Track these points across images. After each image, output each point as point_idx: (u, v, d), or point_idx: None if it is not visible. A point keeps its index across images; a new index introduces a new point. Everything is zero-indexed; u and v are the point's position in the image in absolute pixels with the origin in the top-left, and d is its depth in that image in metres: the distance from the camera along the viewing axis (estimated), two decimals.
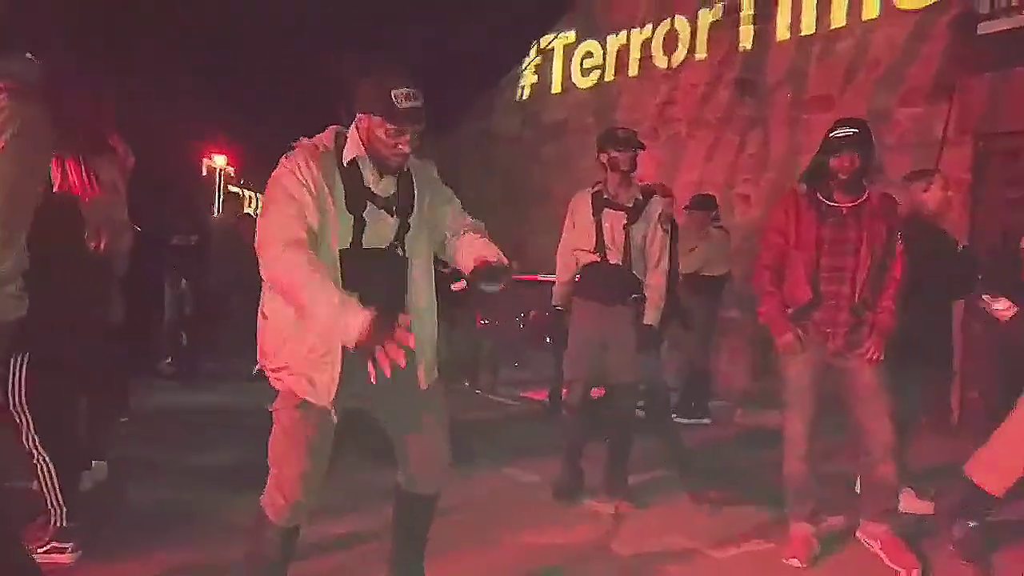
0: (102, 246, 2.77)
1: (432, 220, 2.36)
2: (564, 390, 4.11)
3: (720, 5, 7.61)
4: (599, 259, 3.84)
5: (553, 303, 4.10)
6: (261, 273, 2.11)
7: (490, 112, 10.00)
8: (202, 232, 6.84)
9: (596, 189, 3.94)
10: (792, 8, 7.03)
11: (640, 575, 3.15)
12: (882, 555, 3.25)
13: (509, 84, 10.06)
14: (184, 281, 6.71)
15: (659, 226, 3.88)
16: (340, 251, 2.15)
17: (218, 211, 9.93)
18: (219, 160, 10.69)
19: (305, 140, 2.22)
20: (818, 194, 3.25)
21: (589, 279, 3.90)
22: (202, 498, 3.64)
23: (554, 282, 4.14)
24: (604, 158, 3.89)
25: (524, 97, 9.93)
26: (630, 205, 3.86)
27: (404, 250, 2.28)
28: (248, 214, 11.51)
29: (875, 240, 3.18)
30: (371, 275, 2.20)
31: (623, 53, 8.63)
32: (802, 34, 6.94)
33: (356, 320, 1.88)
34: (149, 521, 3.34)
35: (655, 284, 3.88)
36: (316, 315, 1.96)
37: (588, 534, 3.53)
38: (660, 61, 8.20)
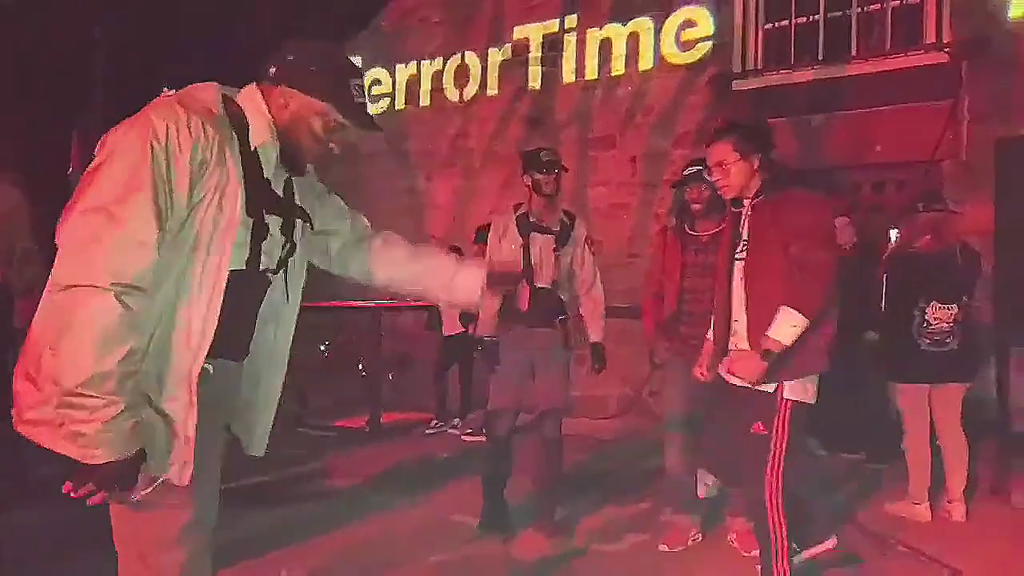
0: None
1: (315, 240, 1.97)
2: (489, 419, 3.90)
3: (508, 46, 8.15)
4: (526, 282, 3.72)
5: (481, 334, 3.85)
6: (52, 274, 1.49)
7: None
8: None
9: (520, 212, 3.84)
10: (576, 55, 7.74)
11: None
12: (736, 545, 3.65)
13: None
14: None
15: (587, 248, 3.90)
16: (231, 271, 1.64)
17: None
18: None
19: (172, 93, 1.68)
20: (685, 226, 3.72)
21: (516, 303, 3.75)
22: None
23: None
24: (527, 180, 3.79)
25: None
26: (557, 228, 3.82)
27: (285, 276, 1.85)
28: None
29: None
30: (253, 308, 1.80)
31: (413, 83, 8.85)
32: (586, 78, 7.68)
33: (105, 454, 1.48)
34: None
35: (596, 303, 3.93)
36: (74, 405, 1.45)
37: (486, 548, 3.66)
38: (452, 94, 8.53)
